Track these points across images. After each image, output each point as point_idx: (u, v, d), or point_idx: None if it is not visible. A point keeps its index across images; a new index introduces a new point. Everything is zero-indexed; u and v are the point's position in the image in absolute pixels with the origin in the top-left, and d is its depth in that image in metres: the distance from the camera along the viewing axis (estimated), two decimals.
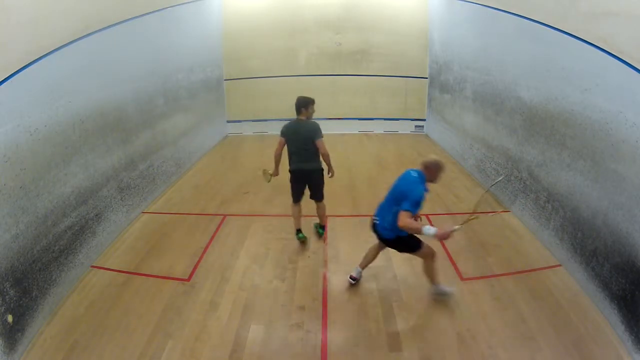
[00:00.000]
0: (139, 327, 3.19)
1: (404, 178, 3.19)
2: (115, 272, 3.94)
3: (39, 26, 3.29)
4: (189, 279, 3.83)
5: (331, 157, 4.24)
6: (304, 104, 4.10)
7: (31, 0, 3.17)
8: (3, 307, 2.81)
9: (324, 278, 3.84)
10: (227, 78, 9.37)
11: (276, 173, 4.44)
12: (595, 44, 3.33)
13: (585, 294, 3.48)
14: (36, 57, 3.25)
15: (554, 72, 4.06)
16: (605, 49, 3.20)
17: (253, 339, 3.08)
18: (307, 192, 4.43)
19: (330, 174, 4.34)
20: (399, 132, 9.54)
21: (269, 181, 4.64)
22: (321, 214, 4.52)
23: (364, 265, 3.69)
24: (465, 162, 6.93)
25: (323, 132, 4.13)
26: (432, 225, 3.03)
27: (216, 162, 7.60)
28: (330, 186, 4.56)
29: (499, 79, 5.47)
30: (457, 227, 2.98)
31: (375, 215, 3.37)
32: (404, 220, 2.89)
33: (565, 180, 3.88)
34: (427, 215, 5.01)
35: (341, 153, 7.40)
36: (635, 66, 2.87)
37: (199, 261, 4.13)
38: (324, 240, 4.49)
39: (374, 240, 3.55)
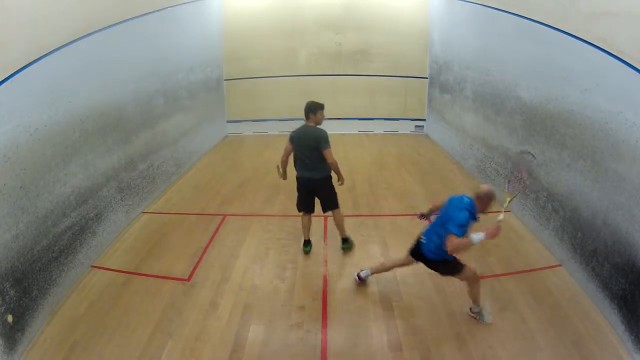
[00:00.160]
0: (139, 327, 3.19)
1: (454, 202, 3.02)
2: (115, 272, 3.94)
3: (39, 26, 3.29)
4: (189, 279, 3.84)
5: None
6: (313, 109, 3.93)
7: (31, 0, 3.17)
8: (3, 307, 2.81)
9: (324, 278, 3.84)
10: (227, 78, 9.37)
11: (284, 177, 4.28)
12: (595, 44, 3.32)
13: (585, 294, 3.48)
14: (36, 57, 3.25)
15: (554, 72, 4.06)
16: (605, 49, 3.20)
17: (253, 339, 3.08)
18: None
19: (340, 181, 4.15)
20: (399, 132, 9.54)
21: (283, 177, 4.37)
22: (338, 223, 4.22)
23: (375, 272, 3.61)
24: (465, 162, 6.93)
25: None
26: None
27: (216, 162, 7.60)
28: None
29: (499, 79, 5.47)
30: (500, 217, 2.86)
31: (423, 235, 3.21)
32: (452, 243, 2.80)
33: (565, 180, 3.88)
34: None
35: (341, 153, 7.39)
36: (635, 66, 2.87)
37: (199, 261, 4.13)
38: (324, 240, 4.49)
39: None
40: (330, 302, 3.49)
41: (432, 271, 3.26)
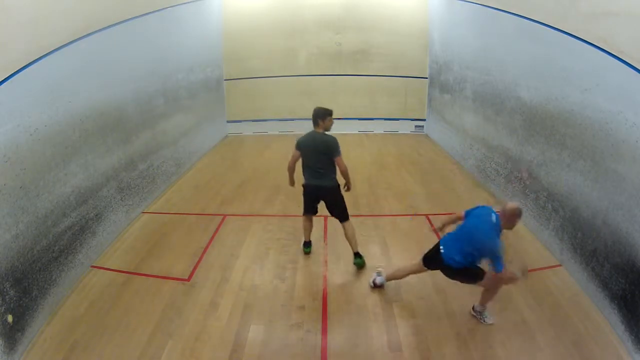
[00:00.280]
0: (139, 327, 3.19)
1: (481, 220, 2.97)
2: (115, 272, 3.94)
3: (39, 26, 3.29)
4: (189, 279, 3.83)
5: None
6: (321, 116, 3.84)
7: (31, 0, 3.17)
8: (3, 307, 2.81)
9: (324, 278, 3.84)
10: (227, 78, 9.36)
11: (291, 183, 4.14)
12: (595, 44, 3.33)
13: (585, 294, 3.48)
14: (36, 57, 3.25)
15: (554, 72, 4.06)
16: (605, 49, 3.20)
17: (253, 339, 3.08)
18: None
19: (346, 187, 4.02)
20: (399, 132, 9.54)
21: (290, 184, 4.25)
22: (349, 237, 3.97)
23: (391, 279, 3.56)
24: (465, 162, 6.93)
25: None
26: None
27: (216, 162, 7.60)
28: None
29: (499, 79, 5.47)
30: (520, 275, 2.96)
31: (441, 245, 3.13)
32: (504, 278, 2.88)
33: (565, 180, 3.88)
34: (426, 215, 5.02)
35: (341, 153, 7.39)
36: (635, 66, 2.87)
37: (199, 261, 4.13)
38: (324, 240, 4.49)
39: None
40: (330, 302, 3.49)
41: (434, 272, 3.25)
